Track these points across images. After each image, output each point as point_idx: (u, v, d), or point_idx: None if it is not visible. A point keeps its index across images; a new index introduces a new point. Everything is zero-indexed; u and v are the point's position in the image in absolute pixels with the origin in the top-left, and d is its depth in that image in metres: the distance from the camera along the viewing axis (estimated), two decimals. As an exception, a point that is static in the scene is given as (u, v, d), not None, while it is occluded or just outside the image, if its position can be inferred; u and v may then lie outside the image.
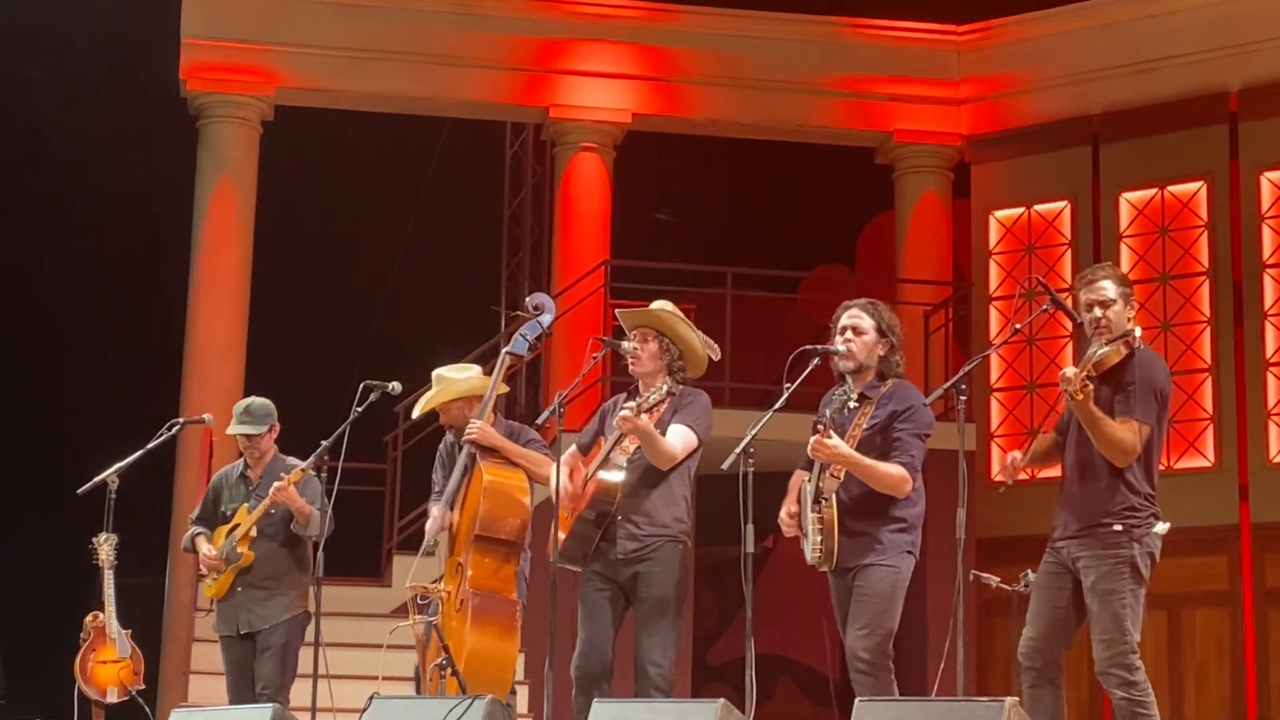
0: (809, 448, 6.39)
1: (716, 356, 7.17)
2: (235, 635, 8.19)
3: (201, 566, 8.27)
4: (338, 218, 15.27)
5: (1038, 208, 14.08)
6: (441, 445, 7.81)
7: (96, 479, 8.51)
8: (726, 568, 12.72)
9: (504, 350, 7.57)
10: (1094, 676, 6.43)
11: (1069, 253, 13.83)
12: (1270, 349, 13.06)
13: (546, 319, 7.59)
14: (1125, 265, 13.12)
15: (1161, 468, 6.55)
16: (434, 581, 7.40)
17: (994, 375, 13.96)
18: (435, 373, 7.69)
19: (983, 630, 12.81)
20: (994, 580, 9.76)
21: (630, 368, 7.05)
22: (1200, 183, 13.47)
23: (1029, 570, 7.90)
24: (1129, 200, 13.70)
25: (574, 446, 7.19)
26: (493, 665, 7.12)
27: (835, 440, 6.37)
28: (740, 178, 15.53)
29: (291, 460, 8.18)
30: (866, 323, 6.62)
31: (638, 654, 6.83)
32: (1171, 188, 13.56)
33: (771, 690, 13.33)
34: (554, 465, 7.05)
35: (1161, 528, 6.35)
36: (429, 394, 7.67)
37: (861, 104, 14.37)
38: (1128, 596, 6.25)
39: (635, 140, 14.26)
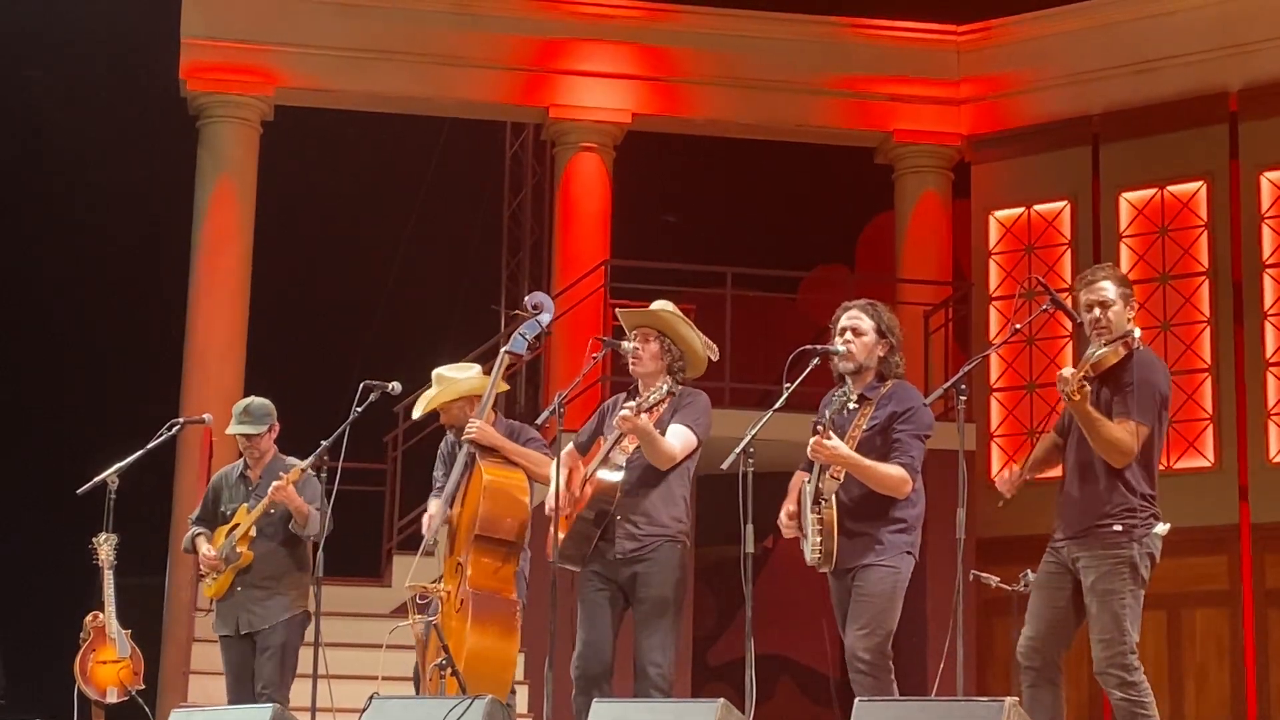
0: (808, 449, 6.39)
1: (716, 357, 7.17)
2: (235, 635, 8.19)
3: (201, 566, 8.27)
4: (338, 218, 15.27)
5: (1038, 208, 14.08)
6: (442, 444, 7.81)
7: (96, 479, 8.51)
8: (726, 568, 12.72)
9: (503, 350, 7.57)
10: (1093, 676, 6.42)
11: (1069, 253, 13.83)
12: (1270, 349, 13.06)
13: (545, 318, 7.59)
14: (1125, 265, 13.12)
15: (1161, 468, 6.55)
16: (434, 581, 7.40)
17: (994, 375, 13.96)
18: (435, 372, 7.69)
19: (983, 630, 12.81)
20: (994, 580, 9.76)
21: (631, 367, 7.05)
22: (1200, 183, 13.47)
23: (1029, 570, 7.89)
24: (1129, 200, 13.70)
25: (570, 445, 7.18)
26: (493, 665, 7.13)
27: (835, 441, 6.37)
28: (740, 178, 15.53)
29: (291, 460, 8.18)
30: (866, 323, 6.61)
31: (637, 654, 6.83)
32: (1171, 188, 13.55)
33: (771, 690, 13.34)
34: (554, 464, 7.04)
35: (1162, 528, 6.34)
36: (429, 393, 7.67)
37: (861, 104, 14.37)
38: (1127, 597, 6.25)
39: (635, 140, 14.26)
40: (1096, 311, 6.41)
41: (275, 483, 7.92)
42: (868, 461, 6.41)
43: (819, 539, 6.43)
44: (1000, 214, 14.27)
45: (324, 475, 7.56)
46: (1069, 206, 13.94)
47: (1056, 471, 6.66)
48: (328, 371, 13.49)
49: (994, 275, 14.20)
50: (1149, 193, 13.63)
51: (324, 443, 7.57)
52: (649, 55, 14.16)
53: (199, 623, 10.99)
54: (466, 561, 7.22)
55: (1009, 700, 5.68)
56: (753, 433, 6.31)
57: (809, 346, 6.57)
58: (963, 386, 6.45)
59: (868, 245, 16.06)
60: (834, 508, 6.44)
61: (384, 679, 7.75)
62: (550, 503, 6.91)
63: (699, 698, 6.90)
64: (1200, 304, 13.34)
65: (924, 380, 12.82)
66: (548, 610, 6.73)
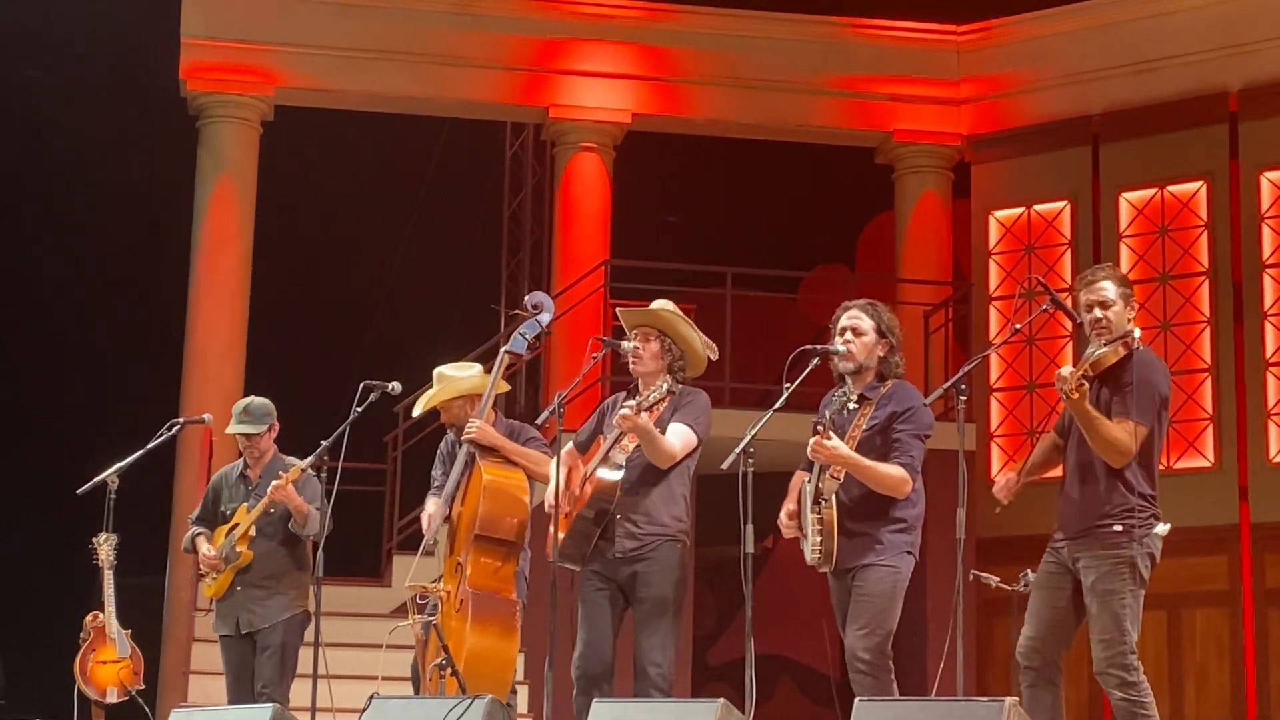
0: (808, 449, 6.39)
1: (715, 357, 7.17)
2: (235, 634, 8.19)
3: (201, 566, 8.27)
4: (338, 218, 15.27)
5: (1038, 208, 14.08)
6: (442, 444, 7.81)
7: (96, 479, 8.51)
8: (726, 568, 12.72)
9: (503, 349, 7.57)
10: (1093, 676, 6.42)
11: (1069, 253, 13.83)
12: (1270, 349, 13.06)
13: (545, 318, 7.59)
14: (1125, 265, 13.11)
15: (1161, 468, 6.54)
16: (434, 581, 7.40)
17: (994, 375, 13.96)
18: (436, 371, 7.70)
19: (983, 630, 12.81)
20: (994, 580, 9.76)
21: (631, 366, 7.05)
22: (1200, 183, 13.47)
23: (1029, 570, 7.89)
24: (1129, 200, 13.70)
25: (570, 444, 7.18)
26: (492, 665, 7.12)
27: (835, 441, 6.37)
28: (740, 178, 15.53)
29: (291, 460, 8.18)
30: (866, 323, 6.61)
31: (637, 654, 6.82)
32: (1171, 188, 13.55)
33: (771, 690, 13.34)
34: (553, 464, 7.04)
35: (1162, 529, 6.34)
36: (430, 392, 7.67)
37: (861, 104, 14.37)
38: (1127, 597, 6.25)
39: (635, 140, 14.26)
40: (1097, 311, 6.40)
41: (275, 482, 7.93)
42: (868, 461, 6.41)
43: (819, 539, 6.43)
44: (1000, 214, 14.27)
45: (324, 475, 7.56)
46: (1069, 206, 13.94)
47: (1056, 472, 6.66)
48: (328, 371, 13.49)
49: (994, 275, 14.19)
50: (1149, 193, 13.63)
51: (324, 443, 7.57)
52: (649, 55, 14.16)
53: (199, 623, 10.99)
54: (466, 561, 7.22)
55: (1009, 700, 5.68)
56: (753, 433, 6.31)
57: (809, 346, 6.57)
58: (963, 386, 6.45)
59: (868, 245, 16.06)
60: (834, 508, 6.44)
61: (384, 679, 7.75)
62: (550, 501, 6.91)
63: (699, 698, 6.90)
64: (1200, 304, 13.34)
65: (924, 380, 12.82)
66: (548, 610, 6.73)
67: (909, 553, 6.52)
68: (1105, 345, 6.35)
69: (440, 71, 13.87)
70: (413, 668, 7.57)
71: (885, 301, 6.86)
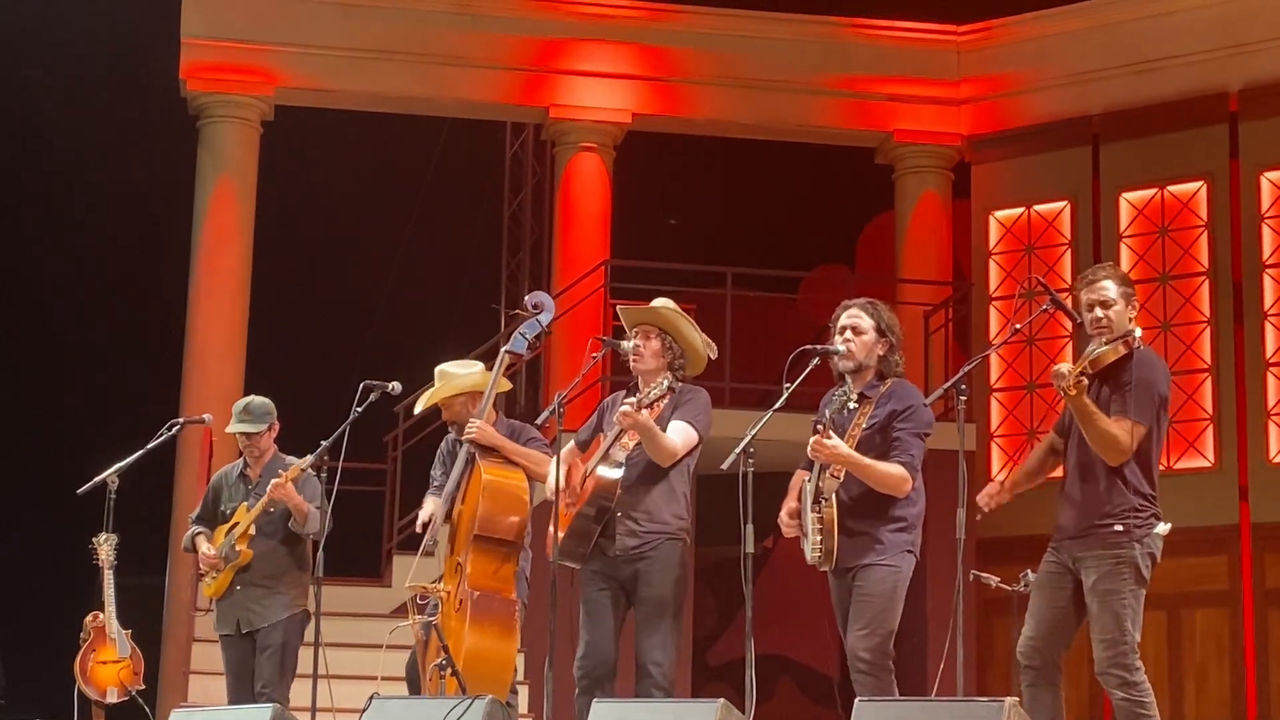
0: (808, 448, 6.39)
1: (715, 355, 7.17)
2: (235, 634, 8.19)
3: (201, 565, 8.27)
4: (338, 218, 15.27)
5: (1038, 208, 14.08)
6: (442, 443, 7.81)
7: (96, 479, 8.51)
8: (726, 568, 12.71)
9: (503, 349, 7.57)
10: (1094, 676, 6.42)
11: (1069, 253, 13.83)
12: (1270, 349, 13.06)
13: (546, 318, 7.59)
14: (1125, 265, 13.11)
15: (1161, 468, 6.54)
16: (434, 581, 7.40)
17: (994, 375, 13.96)
18: (438, 368, 7.70)
19: (983, 630, 12.81)
20: (994, 580, 9.76)
21: (631, 364, 7.05)
22: (1200, 183, 13.47)
23: (1029, 570, 7.89)
24: (1129, 200, 13.70)
25: (572, 442, 7.19)
26: (492, 665, 7.12)
27: (834, 440, 6.37)
28: (740, 178, 15.53)
29: (291, 459, 8.18)
30: (866, 322, 6.61)
31: (638, 653, 6.83)
32: (1171, 188, 13.55)
33: (771, 690, 13.33)
34: (553, 464, 7.04)
35: (1163, 528, 6.34)
36: (432, 389, 7.67)
37: (861, 104, 14.36)
38: (1128, 597, 6.25)
39: (635, 140, 14.26)
40: (1098, 311, 6.40)
41: (274, 480, 7.93)
42: (868, 460, 6.41)
43: (819, 538, 6.43)
44: (1000, 214, 14.27)
45: (324, 475, 7.56)
46: (1069, 206, 13.94)
47: (1056, 472, 6.66)
48: (328, 371, 13.49)
49: (994, 275, 14.19)
50: (1149, 193, 13.63)
51: (324, 442, 7.57)
52: (649, 55, 14.16)
53: (199, 622, 10.99)
54: (466, 561, 7.21)
55: (1009, 700, 5.69)
56: (753, 433, 6.31)
57: (809, 346, 6.57)
58: (963, 387, 6.45)
59: (868, 245, 16.06)
60: (834, 506, 6.44)
61: (384, 679, 7.74)
62: (551, 497, 6.92)
63: (699, 698, 6.90)
64: (1200, 304, 13.34)
65: (924, 380, 12.82)
66: (548, 610, 6.73)
67: (909, 552, 6.52)
68: (1106, 343, 6.35)
69: (440, 71, 13.87)
70: (408, 668, 7.57)
71: (885, 301, 6.86)
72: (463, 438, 7.44)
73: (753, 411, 9.15)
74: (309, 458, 7.84)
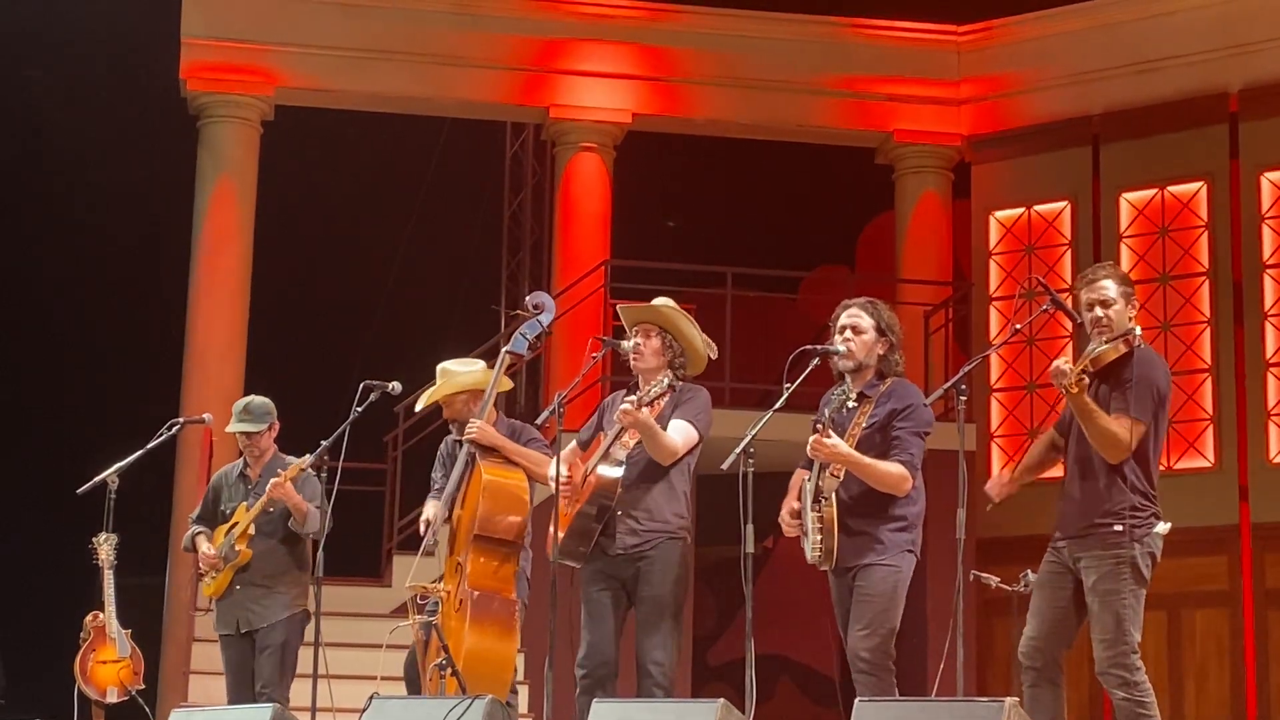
0: (808, 447, 6.39)
1: (715, 355, 7.17)
2: (234, 634, 8.18)
3: (201, 565, 8.27)
4: (338, 218, 15.27)
5: (1038, 208, 14.08)
6: (442, 445, 7.81)
7: (96, 479, 8.51)
8: (726, 568, 12.72)
9: (504, 349, 7.57)
10: (1094, 676, 6.42)
11: (1069, 253, 13.83)
12: (1270, 349, 13.06)
13: (546, 318, 7.59)
14: (1125, 265, 13.11)
15: (1161, 468, 6.55)
16: (434, 581, 7.40)
17: (994, 375, 13.96)
18: (440, 366, 7.70)
19: (983, 630, 12.81)
20: (994, 580, 9.76)
21: (631, 363, 7.06)
22: (1200, 183, 13.47)
23: (1029, 570, 7.90)
24: (1129, 200, 13.70)
25: (574, 442, 7.19)
26: (492, 665, 7.12)
27: (834, 439, 6.37)
28: (740, 178, 15.53)
29: (291, 459, 8.17)
30: (866, 322, 6.62)
31: (639, 652, 6.83)
32: (1171, 188, 13.55)
33: (771, 690, 13.33)
34: (554, 464, 7.05)
35: (1163, 528, 6.34)
36: (433, 387, 7.68)
37: (861, 104, 14.37)
38: (1128, 597, 6.25)
39: (635, 140, 14.26)
40: (1098, 310, 6.41)
41: (273, 479, 7.92)
42: (867, 459, 6.41)
43: (819, 537, 6.43)
44: (1000, 214, 14.27)
45: (324, 475, 7.56)
46: (1069, 207, 13.94)
47: (1057, 471, 6.66)
48: (328, 371, 13.49)
49: (994, 275, 14.19)
50: (1149, 193, 13.63)
51: (324, 442, 7.57)
52: (649, 55, 14.16)
53: (199, 622, 10.99)
54: (466, 561, 7.21)
55: (1009, 700, 5.69)
56: (753, 433, 6.31)
57: (809, 346, 6.57)
58: (963, 387, 6.45)
59: (868, 245, 16.06)
60: (834, 506, 6.44)
61: (384, 679, 7.74)
62: (553, 481, 6.92)
63: (699, 698, 6.90)
64: (1200, 304, 13.34)
65: (924, 380, 12.82)
66: (548, 610, 6.73)
67: (910, 551, 6.52)
68: (1106, 342, 6.36)
69: (440, 71, 13.87)
70: (406, 667, 7.57)
71: (885, 301, 6.86)
72: (463, 437, 7.44)
73: (753, 411, 9.17)
74: (308, 457, 7.84)
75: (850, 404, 6.57)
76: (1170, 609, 12.69)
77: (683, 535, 6.93)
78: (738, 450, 6.30)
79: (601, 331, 12.26)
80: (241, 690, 8.16)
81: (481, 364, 7.78)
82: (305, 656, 7.96)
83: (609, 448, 6.92)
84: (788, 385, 6.47)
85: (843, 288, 12.93)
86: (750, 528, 6.24)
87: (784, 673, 14.36)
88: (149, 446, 8.59)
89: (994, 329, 13.87)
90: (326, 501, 7.47)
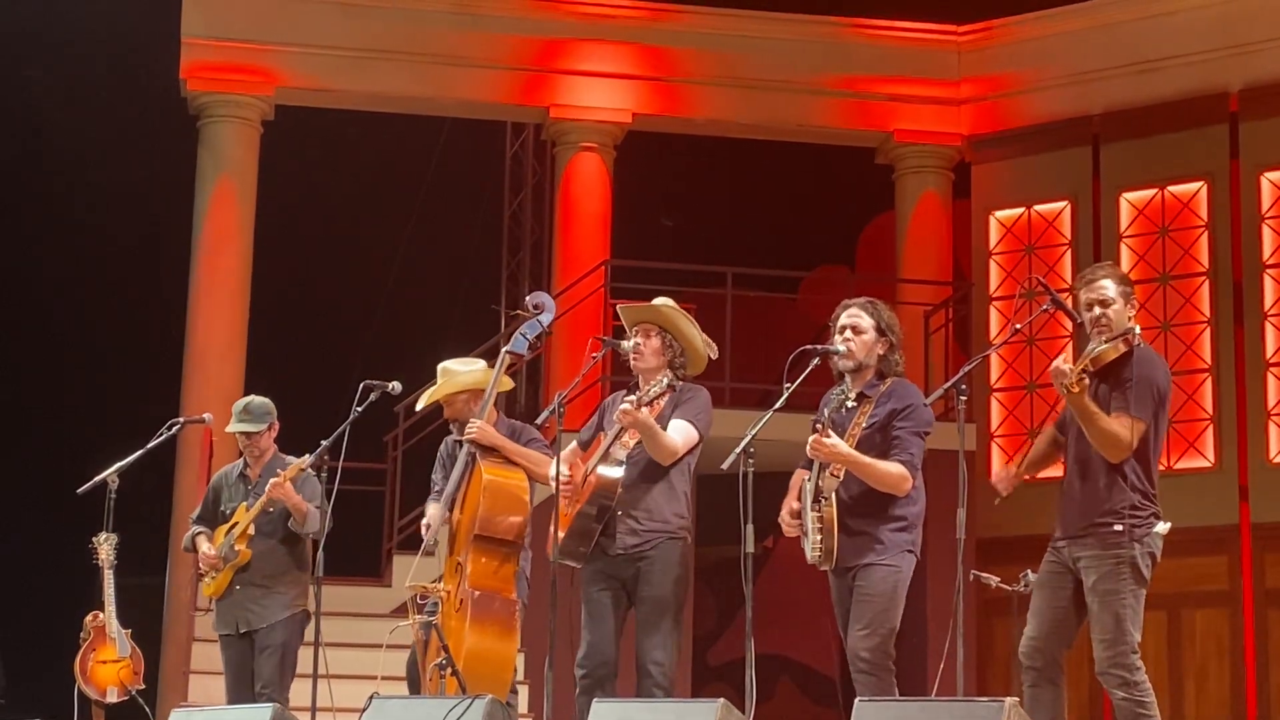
0: (807, 446, 6.39)
1: (715, 355, 7.17)
2: (234, 634, 8.18)
3: (201, 565, 8.27)
4: (338, 218, 15.27)
5: (1038, 208, 14.08)
6: (442, 446, 7.81)
7: (96, 479, 8.51)
8: (726, 568, 12.72)
9: (504, 349, 7.57)
10: (1094, 676, 6.43)
11: (1069, 253, 13.83)
12: (1270, 349, 13.06)
13: (546, 318, 7.59)
14: (1125, 265, 13.11)
15: (1161, 468, 6.55)
16: (434, 581, 7.40)
17: (994, 375, 13.96)
18: (440, 365, 7.71)
19: (983, 630, 12.81)
20: (994, 580, 9.76)
21: (632, 363, 7.06)
22: (1200, 183, 13.47)
23: (1029, 570, 7.90)
24: (1129, 200, 13.70)
25: (574, 442, 7.19)
26: (492, 665, 7.12)
27: (834, 439, 6.37)
28: (740, 178, 15.53)
29: (291, 459, 8.17)
30: (866, 322, 6.61)
31: (639, 652, 6.83)
32: (1172, 188, 13.55)
33: (771, 690, 13.33)
34: (554, 464, 7.05)
35: (1162, 527, 6.34)
36: (434, 386, 7.68)
37: (862, 104, 14.37)
38: (1128, 597, 6.25)
39: (635, 140, 14.26)
40: (1097, 309, 6.41)
41: (272, 479, 7.92)
42: (867, 459, 6.41)
43: (819, 537, 6.43)
44: (1000, 214, 14.27)
45: (324, 475, 7.55)
46: (1069, 207, 13.94)
47: (1057, 471, 6.67)
48: (328, 371, 13.49)
49: (994, 275, 14.20)
50: (1149, 193, 13.63)
51: (324, 442, 7.57)
52: (649, 55, 14.16)
53: (199, 622, 10.99)
54: (466, 561, 7.21)
55: (1009, 700, 5.68)
56: (753, 433, 6.31)
57: (809, 346, 6.57)
58: (963, 387, 6.45)
59: (868, 245, 16.06)
60: (834, 505, 6.44)
61: (384, 679, 7.74)
62: (554, 481, 6.92)
63: (699, 698, 6.90)
64: (1200, 304, 13.34)
65: (924, 380, 12.82)
66: (548, 610, 6.73)
67: (910, 551, 6.52)
68: (1106, 342, 6.36)
69: (440, 71, 13.87)
70: (409, 667, 7.57)
71: (885, 301, 6.86)
72: (463, 437, 7.44)
73: (753, 411, 9.16)
74: (308, 457, 7.84)
75: (850, 404, 6.57)
76: (1170, 609, 12.70)
77: (683, 535, 6.93)
78: (738, 450, 6.30)
79: (601, 331, 12.26)
80: (241, 690, 8.16)
81: (482, 364, 7.77)
82: (305, 656, 7.96)
83: (609, 448, 6.92)
84: (788, 385, 6.47)
85: (843, 288, 12.93)
86: (750, 528, 6.24)
87: (784, 673, 14.36)
88: (149, 446, 8.59)
89: (994, 329, 13.87)
90: (326, 501, 7.47)
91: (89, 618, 9.19)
